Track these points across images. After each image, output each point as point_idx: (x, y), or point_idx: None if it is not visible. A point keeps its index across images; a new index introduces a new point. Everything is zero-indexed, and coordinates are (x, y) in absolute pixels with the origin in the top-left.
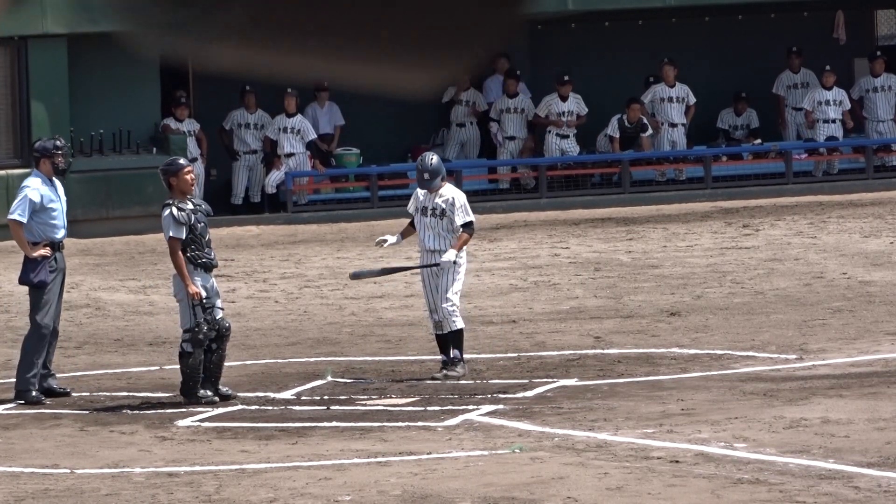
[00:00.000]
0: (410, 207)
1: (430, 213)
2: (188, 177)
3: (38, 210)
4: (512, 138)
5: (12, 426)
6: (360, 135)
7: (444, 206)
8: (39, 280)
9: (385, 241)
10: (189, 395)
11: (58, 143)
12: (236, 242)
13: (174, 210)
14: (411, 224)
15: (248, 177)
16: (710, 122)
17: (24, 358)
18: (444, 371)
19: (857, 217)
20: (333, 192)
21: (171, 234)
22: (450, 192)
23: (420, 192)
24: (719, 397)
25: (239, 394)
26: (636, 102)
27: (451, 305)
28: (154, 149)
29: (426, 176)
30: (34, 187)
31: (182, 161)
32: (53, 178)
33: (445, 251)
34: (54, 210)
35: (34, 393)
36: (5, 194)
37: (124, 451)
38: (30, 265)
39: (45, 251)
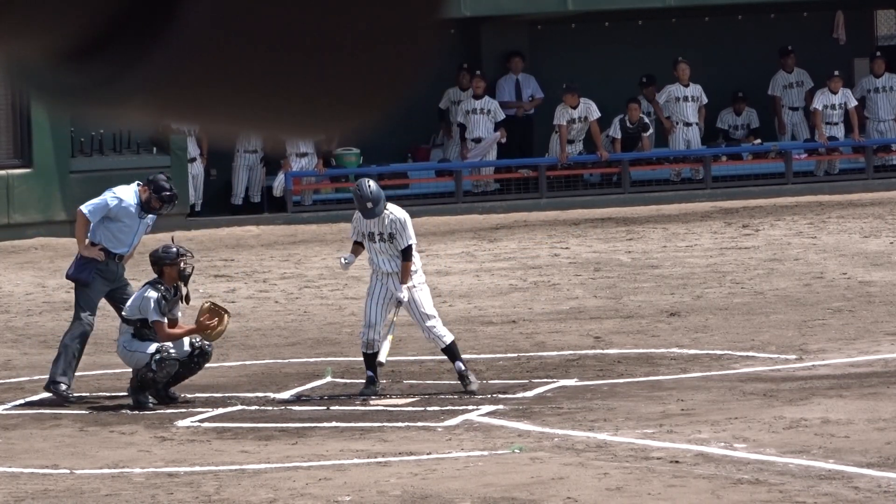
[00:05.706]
0: (355, 236)
1: (377, 238)
2: (181, 267)
3: (110, 217)
4: (478, 140)
5: (12, 426)
6: (359, 135)
7: (391, 230)
8: (81, 277)
9: (348, 262)
10: (136, 393)
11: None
12: (236, 242)
13: (162, 301)
14: (357, 243)
15: (248, 177)
16: (710, 122)
17: (61, 351)
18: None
19: (857, 217)
20: (333, 192)
21: (154, 318)
22: (394, 212)
23: (361, 218)
24: (719, 397)
25: (238, 394)
26: (636, 102)
27: (436, 321)
28: (154, 149)
29: (369, 205)
30: (118, 196)
31: (175, 250)
32: (143, 213)
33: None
34: (125, 228)
35: (63, 387)
36: (5, 194)
37: (124, 452)
38: (79, 261)
39: (98, 254)
